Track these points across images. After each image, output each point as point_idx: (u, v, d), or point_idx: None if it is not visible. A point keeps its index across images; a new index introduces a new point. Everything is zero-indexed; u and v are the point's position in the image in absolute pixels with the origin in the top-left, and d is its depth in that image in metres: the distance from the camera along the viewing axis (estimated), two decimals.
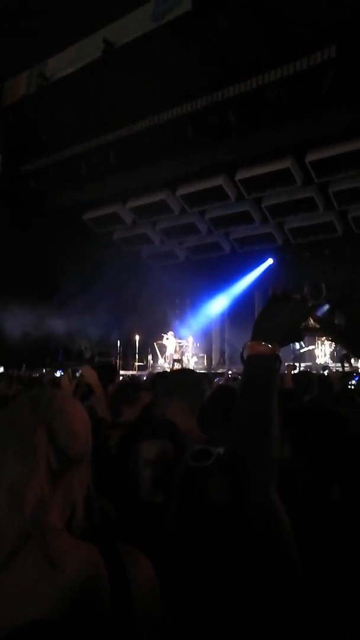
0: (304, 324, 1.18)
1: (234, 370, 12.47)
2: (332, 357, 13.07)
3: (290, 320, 1.16)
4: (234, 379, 8.55)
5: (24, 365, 11.64)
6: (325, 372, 8.72)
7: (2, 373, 6.87)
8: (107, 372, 3.78)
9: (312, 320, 1.20)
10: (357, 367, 11.22)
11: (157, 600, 0.94)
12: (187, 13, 9.07)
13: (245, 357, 1.13)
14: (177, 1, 8.99)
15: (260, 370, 1.10)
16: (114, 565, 0.92)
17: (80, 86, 11.16)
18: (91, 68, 11.11)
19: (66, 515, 1.01)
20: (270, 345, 1.10)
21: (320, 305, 1.23)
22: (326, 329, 1.22)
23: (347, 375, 5.61)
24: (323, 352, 13.60)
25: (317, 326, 1.21)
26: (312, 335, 1.29)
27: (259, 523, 1.00)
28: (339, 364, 11.69)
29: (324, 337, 11.73)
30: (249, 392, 1.09)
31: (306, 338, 9.76)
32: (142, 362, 15.32)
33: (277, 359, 1.11)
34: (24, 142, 12.68)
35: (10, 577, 0.88)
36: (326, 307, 1.25)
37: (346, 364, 11.47)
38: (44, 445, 0.96)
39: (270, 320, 1.16)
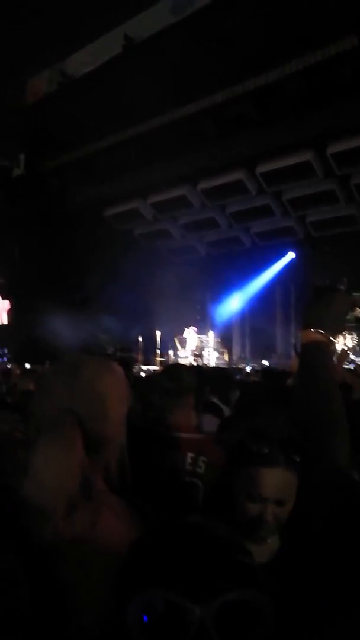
0: (351, 314, 1.23)
1: (255, 366, 12.45)
2: (354, 351, 12.93)
3: (338, 310, 1.19)
4: (256, 372, 8.52)
5: (47, 362, 11.78)
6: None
7: (29, 369, 6.99)
8: (126, 367, 3.87)
9: (356, 311, 1.26)
10: None
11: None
12: (206, 6, 9.08)
13: (300, 346, 1.17)
14: None
15: (319, 356, 1.13)
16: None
17: (101, 83, 11.25)
18: (111, 64, 11.20)
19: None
20: (322, 332, 1.14)
21: None
22: None
23: None
24: (345, 346, 13.46)
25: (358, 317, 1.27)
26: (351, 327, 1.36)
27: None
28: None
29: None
30: (310, 378, 1.13)
31: None
32: (163, 358, 15.39)
33: (332, 345, 1.16)
34: (45, 140, 12.84)
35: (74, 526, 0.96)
36: None
37: None
38: (79, 434, 1.01)
39: (319, 310, 1.19)
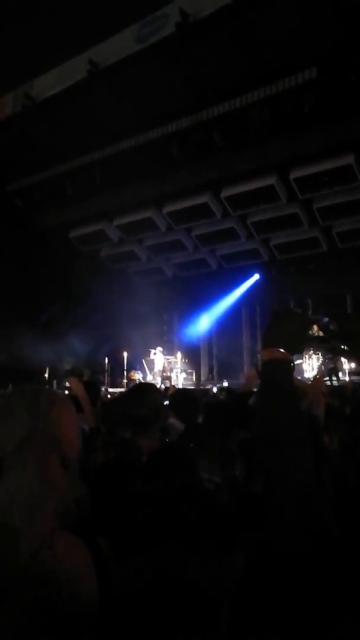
0: (306, 336, 1.28)
1: (219, 385, 12.48)
2: (319, 371, 13.14)
3: (295, 331, 1.25)
4: (221, 391, 8.55)
5: (10, 385, 11.52)
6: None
7: None
8: (94, 388, 3.80)
9: (314, 331, 1.30)
10: (345, 381, 11.30)
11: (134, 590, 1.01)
12: (170, 35, 9.25)
13: (261, 364, 1.21)
14: (161, 24, 9.17)
15: (278, 373, 1.18)
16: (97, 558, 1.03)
17: (66, 106, 11.26)
18: (76, 88, 11.23)
19: (57, 513, 1.07)
20: (282, 351, 1.19)
21: (320, 318, 1.35)
22: (331, 336, 1.33)
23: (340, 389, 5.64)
24: (310, 366, 13.68)
25: (318, 335, 1.32)
26: (312, 346, 1.42)
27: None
28: (326, 378, 11.76)
29: (318, 350, 11.85)
30: (270, 395, 1.17)
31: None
32: (131, 379, 15.25)
33: (292, 363, 1.20)
34: (9, 161, 12.72)
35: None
36: (325, 319, 1.35)
37: (334, 378, 11.55)
38: (52, 455, 1.04)
39: (278, 330, 1.25)
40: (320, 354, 12.94)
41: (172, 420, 3.55)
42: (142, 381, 14.14)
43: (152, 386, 2.74)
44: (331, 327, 1.34)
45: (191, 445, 2.52)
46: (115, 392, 11.97)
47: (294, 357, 1.22)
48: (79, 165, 11.51)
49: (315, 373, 12.37)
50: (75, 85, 11.16)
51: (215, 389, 10.81)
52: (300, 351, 1.28)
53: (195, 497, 1.30)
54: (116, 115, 10.33)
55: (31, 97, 11.73)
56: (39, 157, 11.94)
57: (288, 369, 1.18)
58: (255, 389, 3.95)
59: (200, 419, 3.57)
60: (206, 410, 3.47)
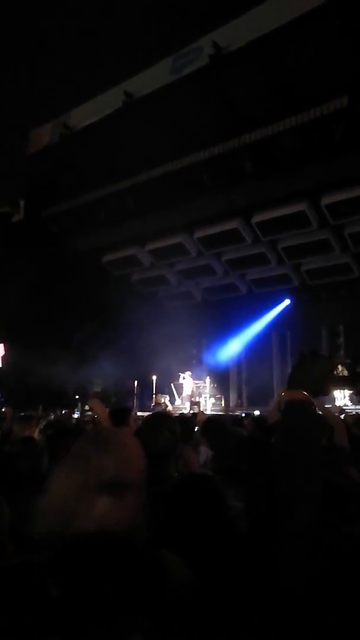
0: (330, 378, 1.31)
1: (249, 413, 12.28)
2: (351, 399, 12.84)
3: (320, 374, 1.33)
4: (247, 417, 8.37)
5: (40, 407, 11.67)
6: (342, 416, 8.53)
7: (25, 416, 6.90)
8: (121, 414, 3.79)
9: (338, 371, 1.37)
10: None
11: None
12: (204, 67, 9.51)
13: (283, 404, 1.28)
14: (195, 56, 9.43)
15: (299, 414, 1.24)
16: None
17: (101, 135, 11.63)
18: (112, 118, 11.61)
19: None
20: (305, 393, 1.26)
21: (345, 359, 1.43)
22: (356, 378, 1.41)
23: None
24: (342, 394, 13.39)
25: (343, 375, 1.39)
26: (337, 387, 1.53)
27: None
28: (358, 406, 11.48)
29: (343, 389, 11.64)
30: (289, 436, 1.23)
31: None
32: (159, 403, 15.21)
33: (313, 405, 1.27)
34: (46, 187, 13.16)
35: None
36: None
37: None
38: (93, 470, 1.14)
39: (303, 372, 1.32)
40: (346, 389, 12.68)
41: (202, 447, 3.52)
42: (167, 405, 14.09)
43: (164, 417, 2.70)
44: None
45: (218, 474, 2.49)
46: (142, 416, 11.94)
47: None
48: (113, 192, 11.79)
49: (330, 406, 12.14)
50: (110, 115, 11.53)
51: (243, 416, 10.63)
52: (324, 393, 1.35)
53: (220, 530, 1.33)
54: (149, 143, 10.60)
55: (69, 127, 12.16)
56: (74, 183, 12.32)
57: (308, 411, 1.24)
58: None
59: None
60: (243, 444, 3.43)
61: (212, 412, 13.51)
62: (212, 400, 15.39)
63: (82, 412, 11.88)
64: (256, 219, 11.19)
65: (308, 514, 1.13)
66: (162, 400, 14.58)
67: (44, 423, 5.15)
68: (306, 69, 7.91)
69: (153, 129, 10.49)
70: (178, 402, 15.08)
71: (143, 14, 11.44)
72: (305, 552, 1.09)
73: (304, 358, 1.36)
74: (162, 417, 2.56)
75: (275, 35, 7.90)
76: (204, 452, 3.58)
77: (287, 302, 14.57)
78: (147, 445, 2.37)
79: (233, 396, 16.67)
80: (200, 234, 12.23)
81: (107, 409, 3.34)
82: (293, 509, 1.14)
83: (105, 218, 12.21)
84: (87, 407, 12.76)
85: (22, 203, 14.18)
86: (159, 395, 15.01)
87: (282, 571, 1.09)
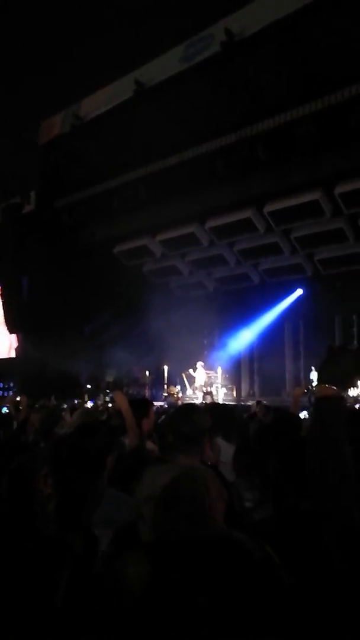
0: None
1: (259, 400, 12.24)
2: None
3: (348, 368, 1.35)
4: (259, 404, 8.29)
5: (52, 396, 11.76)
6: (357, 406, 8.49)
7: (40, 406, 6.97)
8: (142, 406, 3.78)
9: None
10: None
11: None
12: (215, 54, 9.40)
13: (314, 400, 1.33)
14: (207, 44, 9.33)
15: (329, 410, 1.28)
16: None
17: (112, 124, 11.58)
18: (123, 107, 11.55)
19: None
20: (335, 388, 1.30)
21: None
22: None
23: None
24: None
25: None
26: None
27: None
28: None
29: None
30: (321, 432, 1.27)
31: None
32: (171, 393, 15.25)
33: (343, 399, 1.32)
34: (57, 178, 13.14)
35: None
36: None
37: None
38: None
39: (332, 368, 1.35)
40: None
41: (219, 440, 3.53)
42: (179, 396, 14.12)
43: (200, 408, 2.74)
44: None
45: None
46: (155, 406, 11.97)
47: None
48: (124, 182, 11.73)
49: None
50: (121, 105, 11.46)
51: (255, 406, 10.58)
52: (353, 386, 1.39)
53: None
54: (161, 133, 10.51)
55: (79, 117, 12.12)
56: (86, 174, 12.27)
57: (338, 405, 1.30)
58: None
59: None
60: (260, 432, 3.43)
61: (224, 402, 13.51)
62: (224, 390, 15.39)
63: (96, 402, 11.94)
64: (269, 208, 11.09)
65: (343, 509, 1.19)
66: (175, 391, 14.61)
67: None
68: (321, 55, 7.78)
69: (165, 118, 10.40)
70: (189, 392, 15.10)
71: (153, 2, 11.33)
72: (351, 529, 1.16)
73: (332, 352, 1.38)
74: (197, 407, 2.62)
75: (289, 20, 7.78)
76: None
77: (299, 292, 14.47)
78: (178, 429, 2.38)
79: (245, 386, 16.65)
80: (212, 223, 12.15)
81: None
82: (328, 503, 1.19)
83: (117, 208, 12.17)
84: (100, 397, 12.84)
85: (32, 194, 14.21)
86: (172, 386, 15.04)
87: (331, 547, 1.17)
